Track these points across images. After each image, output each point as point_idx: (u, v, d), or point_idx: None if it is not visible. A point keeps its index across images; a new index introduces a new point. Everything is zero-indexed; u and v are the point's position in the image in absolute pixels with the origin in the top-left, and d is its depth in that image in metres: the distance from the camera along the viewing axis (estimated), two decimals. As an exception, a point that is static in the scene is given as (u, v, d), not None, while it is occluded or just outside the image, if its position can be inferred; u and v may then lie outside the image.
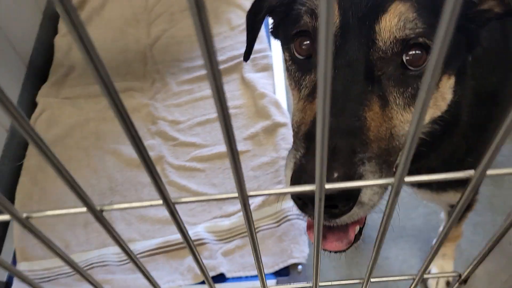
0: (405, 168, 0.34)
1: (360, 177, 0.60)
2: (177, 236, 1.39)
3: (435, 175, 0.38)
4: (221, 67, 1.76)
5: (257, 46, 1.80)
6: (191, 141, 1.62)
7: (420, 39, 0.65)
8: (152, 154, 1.59)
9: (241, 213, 1.46)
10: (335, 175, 0.57)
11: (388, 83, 0.67)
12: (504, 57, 0.92)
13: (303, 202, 0.61)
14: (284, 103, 1.63)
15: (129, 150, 1.60)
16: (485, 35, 0.73)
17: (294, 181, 0.61)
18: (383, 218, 0.40)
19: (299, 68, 0.75)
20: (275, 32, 0.89)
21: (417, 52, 0.66)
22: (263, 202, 1.42)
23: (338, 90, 0.65)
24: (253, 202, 1.43)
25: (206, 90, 1.73)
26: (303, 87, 0.74)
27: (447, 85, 0.72)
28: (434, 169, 0.90)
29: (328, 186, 0.37)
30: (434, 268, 1.47)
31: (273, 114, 1.58)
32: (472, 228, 1.56)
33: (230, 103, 1.69)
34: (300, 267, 1.32)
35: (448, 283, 1.48)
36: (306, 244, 1.34)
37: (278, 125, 1.56)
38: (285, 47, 0.78)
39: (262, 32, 1.82)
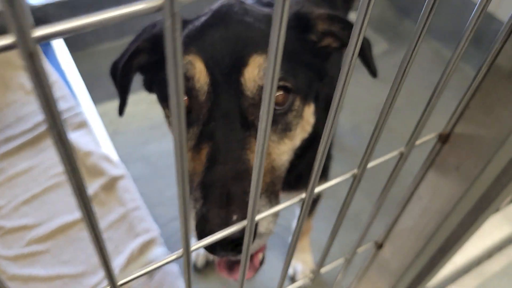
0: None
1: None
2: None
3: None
4: (31, 135, 1.60)
5: (63, 105, 1.69)
6: (21, 224, 1.42)
7: (280, 83, 0.74)
8: (-24, 253, 1.35)
9: (105, 282, 1.35)
10: (234, 217, 0.64)
11: None
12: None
13: (212, 247, 0.65)
14: (114, 155, 1.57)
15: None
16: (329, 66, 0.88)
17: (200, 231, 0.65)
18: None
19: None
20: (148, 87, 0.93)
21: (280, 93, 0.75)
22: (128, 261, 1.34)
23: (220, 140, 0.72)
24: (117, 266, 1.34)
25: (20, 164, 1.55)
26: (188, 140, 0.80)
27: (309, 112, 0.84)
28: (301, 174, 1.01)
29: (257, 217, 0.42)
30: (298, 264, 1.60)
31: (107, 169, 1.51)
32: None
33: (53, 171, 1.55)
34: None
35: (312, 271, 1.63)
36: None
37: (115, 179, 1.50)
38: (164, 104, 0.83)
39: (66, 91, 1.72)
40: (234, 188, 0.66)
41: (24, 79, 1.76)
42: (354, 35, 0.30)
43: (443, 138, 0.46)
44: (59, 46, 1.86)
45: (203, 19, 0.80)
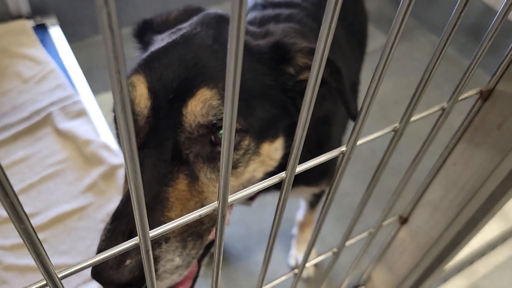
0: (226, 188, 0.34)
1: (155, 259, 0.63)
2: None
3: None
4: (27, 124, 1.56)
5: (62, 94, 1.66)
6: (18, 213, 1.38)
7: None
8: (-29, 243, 1.31)
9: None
10: (127, 262, 0.60)
11: (197, 160, 0.70)
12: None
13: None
14: (113, 144, 1.54)
15: None
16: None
17: (93, 269, 0.62)
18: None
19: None
20: None
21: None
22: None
23: (145, 170, 0.67)
24: (117, 254, 1.31)
25: (17, 153, 1.51)
26: None
27: (272, 149, 0.79)
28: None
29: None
30: (301, 255, 1.57)
31: (106, 158, 1.47)
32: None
33: (51, 160, 1.51)
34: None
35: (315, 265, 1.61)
36: None
37: (115, 168, 1.46)
38: (113, 117, 0.80)
39: (64, 79, 1.68)
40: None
41: (21, 68, 1.72)
42: (315, 64, 0.28)
43: (485, 95, 0.44)
44: (57, 35, 1.83)
45: (171, 38, 0.75)
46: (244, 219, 1.69)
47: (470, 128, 0.47)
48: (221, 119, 0.67)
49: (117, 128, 0.79)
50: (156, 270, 0.62)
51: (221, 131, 0.68)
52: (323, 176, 1.12)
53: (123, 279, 0.58)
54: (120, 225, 0.62)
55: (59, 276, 0.31)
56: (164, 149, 0.67)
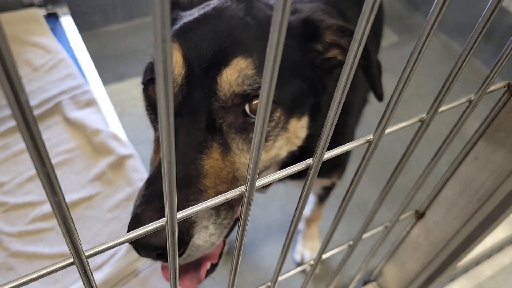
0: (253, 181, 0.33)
1: (191, 224, 0.64)
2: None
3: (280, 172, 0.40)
4: (37, 112, 1.57)
5: (71, 83, 1.66)
6: (26, 201, 1.39)
7: (259, 92, 0.68)
8: (-22, 228, 1.31)
9: (114, 260, 1.32)
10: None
11: (230, 130, 0.71)
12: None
13: (137, 250, 0.63)
14: (122, 135, 1.54)
15: None
16: (332, 82, 0.81)
17: (129, 231, 0.61)
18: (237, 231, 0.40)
19: (154, 110, 0.78)
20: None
21: (257, 102, 0.69)
22: (135, 240, 1.31)
23: (181, 139, 0.67)
24: (125, 245, 1.31)
25: (26, 141, 1.51)
26: (157, 129, 0.77)
27: (297, 125, 0.79)
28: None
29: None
30: (306, 251, 1.57)
31: (115, 148, 1.47)
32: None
33: (60, 148, 1.51)
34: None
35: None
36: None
37: (124, 158, 1.46)
38: (143, 88, 0.80)
39: (74, 68, 1.68)
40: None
41: (31, 55, 1.72)
42: (353, 46, 0.27)
43: (513, 89, 0.44)
44: (68, 24, 1.83)
45: (202, 11, 0.76)
46: (250, 213, 1.68)
47: (495, 123, 0.47)
48: (255, 89, 0.67)
49: (149, 101, 0.77)
50: (191, 236, 0.63)
51: (255, 102, 0.68)
52: (335, 168, 1.12)
53: (161, 243, 0.57)
54: (155, 190, 0.62)
55: (86, 254, 0.31)
56: (198, 118, 0.68)
